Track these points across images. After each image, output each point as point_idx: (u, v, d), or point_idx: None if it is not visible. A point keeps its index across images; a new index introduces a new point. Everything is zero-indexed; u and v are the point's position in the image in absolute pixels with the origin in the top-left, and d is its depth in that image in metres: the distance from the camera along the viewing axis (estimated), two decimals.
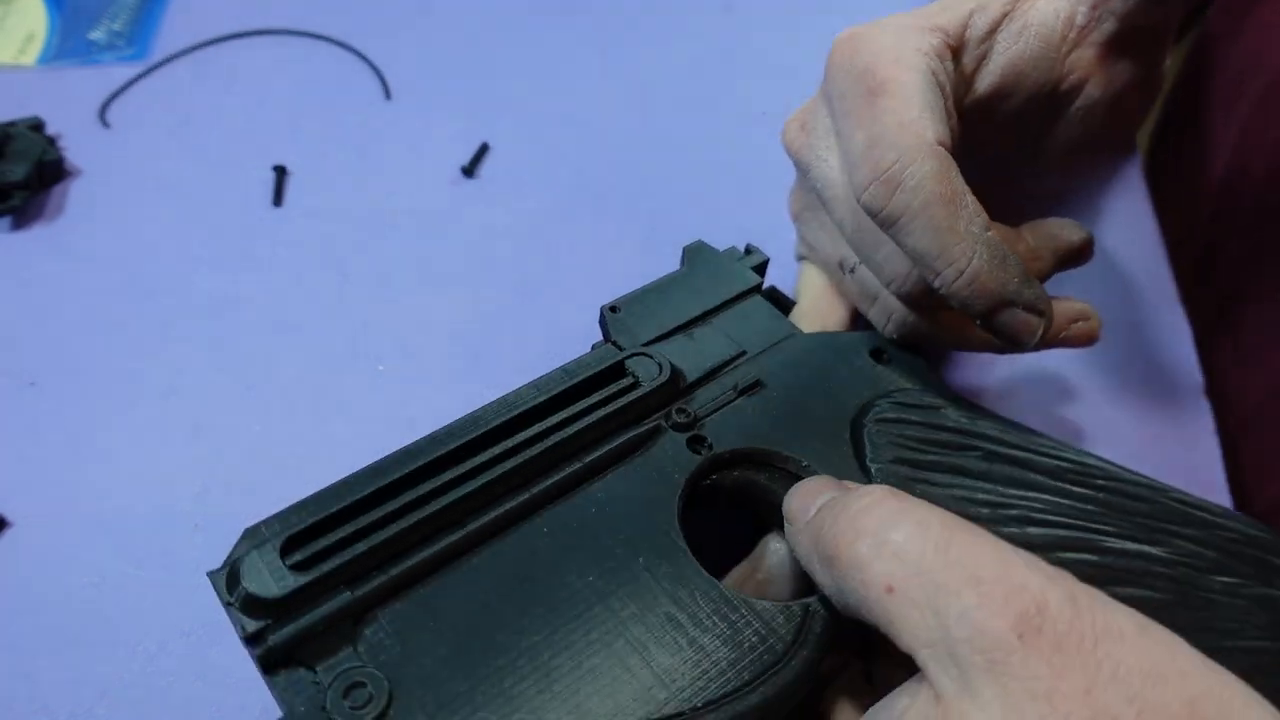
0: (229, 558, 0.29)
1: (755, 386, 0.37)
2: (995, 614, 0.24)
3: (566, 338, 0.48)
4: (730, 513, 0.36)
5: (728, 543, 0.35)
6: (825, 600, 0.30)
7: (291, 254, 0.51)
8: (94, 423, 0.45)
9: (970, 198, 0.33)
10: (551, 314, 0.49)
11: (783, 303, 0.42)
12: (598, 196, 0.54)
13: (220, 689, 0.37)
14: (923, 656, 0.25)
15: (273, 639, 0.28)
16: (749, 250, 0.43)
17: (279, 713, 0.27)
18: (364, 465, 0.32)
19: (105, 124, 0.57)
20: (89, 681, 0.38)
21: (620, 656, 0.29)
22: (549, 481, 0.32)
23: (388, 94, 0.59)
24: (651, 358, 0.36)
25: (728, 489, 0.35)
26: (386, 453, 0.33)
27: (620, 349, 0.37)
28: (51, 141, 0.54)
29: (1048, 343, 0.36)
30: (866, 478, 0.34)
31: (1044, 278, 0.40)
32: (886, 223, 0.33)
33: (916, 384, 0.38)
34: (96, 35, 0.61)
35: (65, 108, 0.56)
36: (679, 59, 0.60)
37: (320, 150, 0.55)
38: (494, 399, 0.35)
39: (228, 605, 0.28)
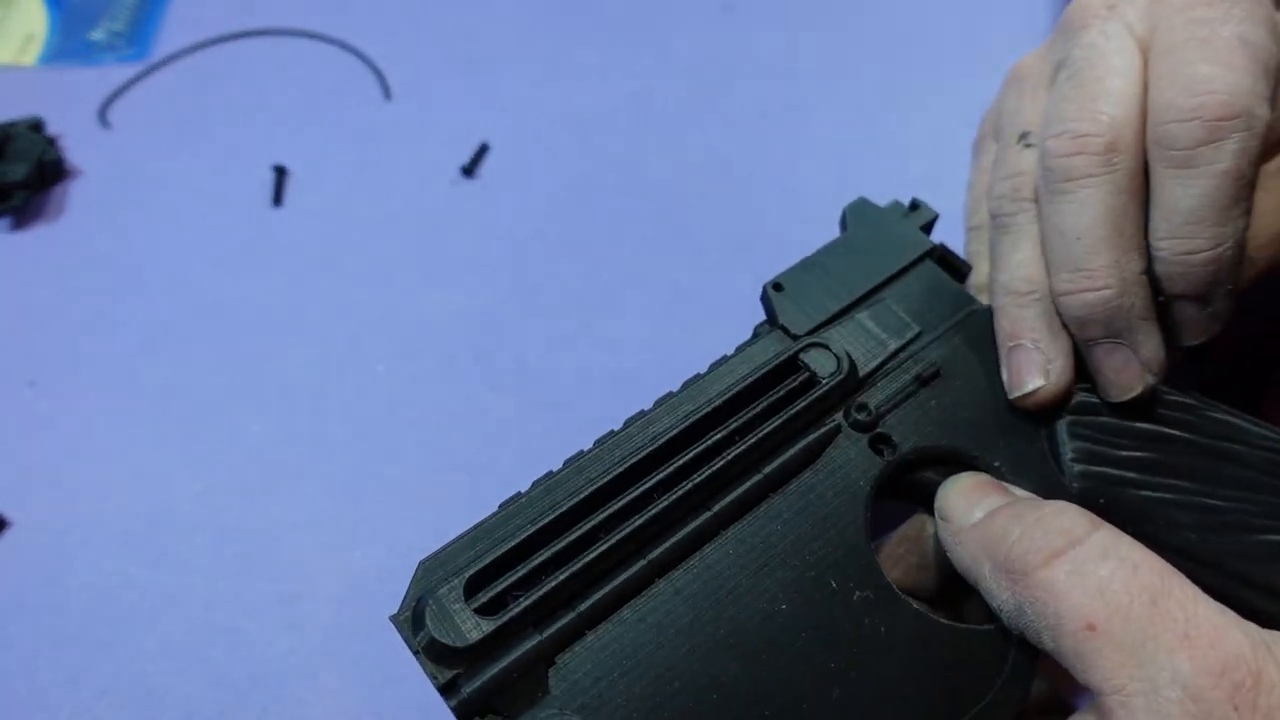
0: (407, 599, 0.28)
1: (937, 375, 0.34)
2: (1212, 682, 0.24)
3: (566, 337, 0.48)
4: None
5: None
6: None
7: (291, 254, 0.51)
8: (94, 423, 0.45)
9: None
10: (550, 313, 0.49)
11: (954, 266, 0.38)
12: (597, 196, 0.54)
13: (220, 689, 0.37)
14: (1112, 700, 0.25)
15: (467, 690, 0.26)
16: (915, 205, 0.39)
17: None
18: (530, 486, 0.31)
19: (105, 124, 0.57)
20: (89, 681, 0.38)
21: (820, 692, 0.28)
22: (729, 498, 0.30)
23: (388, 94, 0.59)
24: (828, 348, 0.33)
25: (902, 488, 0.33)
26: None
27: (788, 333, 0.34)
28: (51, 141, 0.54)
29: None
30: (1065, 478, 0.32)
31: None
32: (1175, 164, 0.30)
33: None
34: (96, 35, 0.61)
35: (65, 108, 0.56)
36: (679, 59, 0.60)
37: (320, 150, 0.55)
38: (658, 399, 0.32)
39: (415, 653, 0.27)
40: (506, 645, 0.27)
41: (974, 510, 0.29)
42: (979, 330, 0.35)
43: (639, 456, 0.30)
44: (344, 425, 0.45)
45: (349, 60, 0.60)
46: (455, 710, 0.27)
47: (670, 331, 0.48)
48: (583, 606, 0.28)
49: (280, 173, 0.54)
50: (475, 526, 0.29)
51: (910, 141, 0.55)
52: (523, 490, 0.30)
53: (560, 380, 0.46)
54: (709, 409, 0.31)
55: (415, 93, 0.58)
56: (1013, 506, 0.29)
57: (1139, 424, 0.33)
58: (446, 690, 0.27)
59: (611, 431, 0.32)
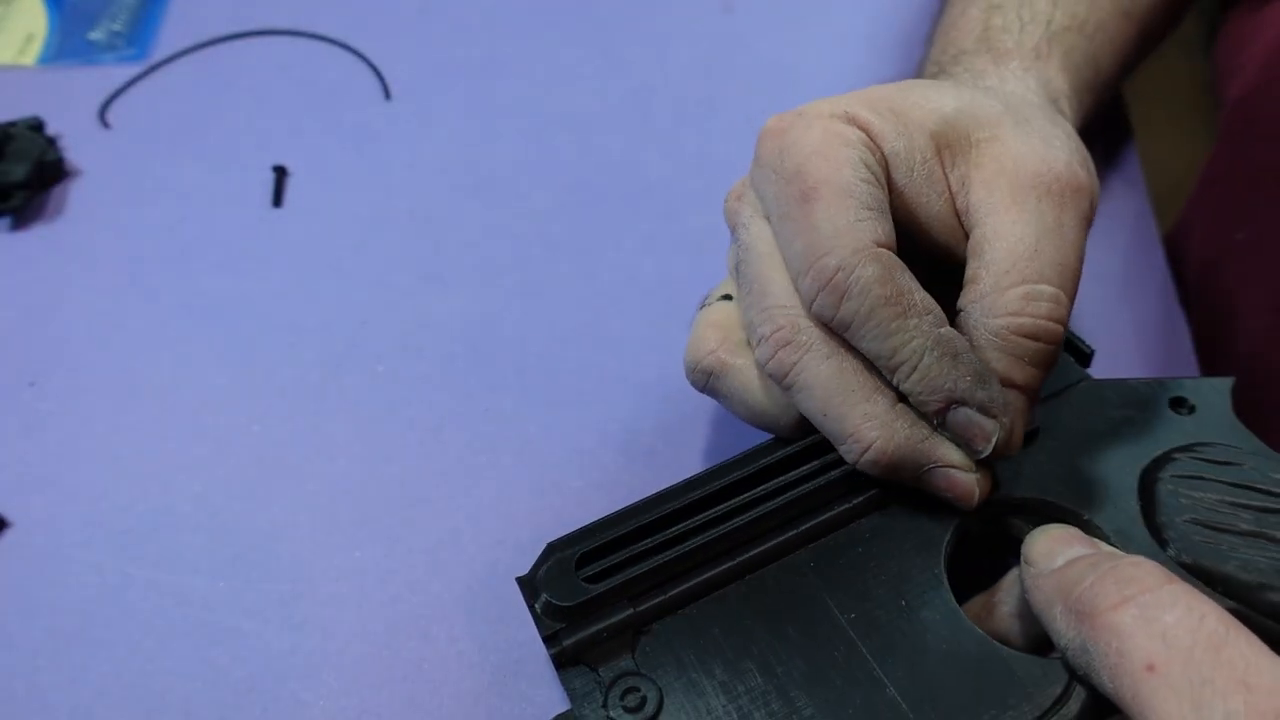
0: (534, 567, 0.33)
1: (1035, 432, 0.35)
2: None
3: (566, 337, 0.48)
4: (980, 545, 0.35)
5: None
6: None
7: (291, 254, 0.51)
8: (94, 423, 0.45)
9: (919, 294, 0.32)
10: (551, 314, 0.49)
11: (1076, 348, 0.39)
12: (597, 197, 0.54)
13: (220, 689, 0.37)
14: None
15: (565, 641, 0.31)
16: None
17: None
18: (649, 493, 0.34)
19: (105, 124, 0.57)
20: (89, 681, 0.38)
21: (872, 701, 0.30)
22: (819, 519, 0.34)
23: (388, 94, 0.59)
24: None
25: (992, 535, 0.35)
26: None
27: None
28: (51, 141, 0.54)
29: (998, 453, 0.33)
30: (1157, 539, 0.33)
31: None
32: (840, 328, 0.33)
33: (1224, 437, 0.35)
34: (96, 35, 0.61)
35: (65, 108, 0.56)
36: (679, 59, 0.60)
37: (320, 150, 0.55)
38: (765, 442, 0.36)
39: (531, 608, 0.32)
40: (603, 611, 0.32)
41: (1057, 557, 0.31)
42: (1086, 398, 0.37)
43: (738, 477, 0.34)
44: (344, 425, 0.45)
45: (349, 60, 0.60)
46: (553, 657, 0.31)
47: (670, 331, 0.48)
48: (673, 590, 0.32)
49: (280, 173, 0.54)
50: (596, 520, 0.34)
51: None
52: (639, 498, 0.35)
53: (560, 380, 0.46)
54: (808, 443, 0.35)
55: (415, 93, 0.58)
56: (1092, 556, 0.30)
57: (1246, 494, 0.33)
58: (549, 640, 0.31)
59: (726, 460, 0.36)
